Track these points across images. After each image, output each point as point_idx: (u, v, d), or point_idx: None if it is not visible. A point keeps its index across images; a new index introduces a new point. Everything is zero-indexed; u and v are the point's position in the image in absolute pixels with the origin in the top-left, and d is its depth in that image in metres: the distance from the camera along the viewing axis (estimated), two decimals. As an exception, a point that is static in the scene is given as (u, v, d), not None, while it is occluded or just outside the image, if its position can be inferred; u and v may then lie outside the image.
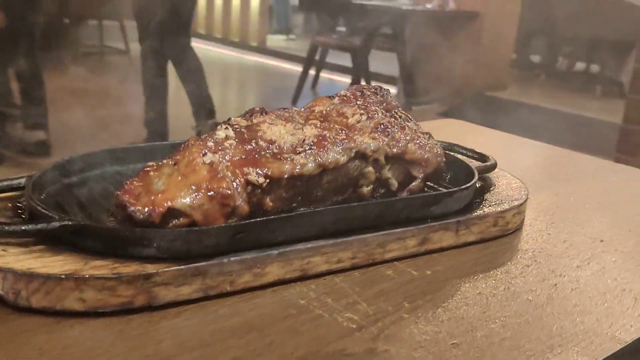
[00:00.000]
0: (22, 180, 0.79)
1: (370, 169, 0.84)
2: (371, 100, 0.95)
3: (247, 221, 0.71)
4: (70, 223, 0.67)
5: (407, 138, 0.88)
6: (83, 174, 0.87)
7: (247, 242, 0.71)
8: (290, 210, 0.80)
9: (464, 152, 1.05)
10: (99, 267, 0.64)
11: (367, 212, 0.79)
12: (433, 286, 0.75)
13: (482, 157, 1.02)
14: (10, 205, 0.77)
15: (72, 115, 4.32)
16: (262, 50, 7.65)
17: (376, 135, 0.86)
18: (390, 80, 6.47)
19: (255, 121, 0.84)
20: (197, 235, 0.68)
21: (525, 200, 0.92)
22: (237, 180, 0.74)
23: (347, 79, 6.27)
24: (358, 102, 0.93)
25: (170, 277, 0.65)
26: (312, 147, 0.80)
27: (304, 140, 0.81)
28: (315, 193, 0.82)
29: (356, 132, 0.86)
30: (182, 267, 0.66)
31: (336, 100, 0.93)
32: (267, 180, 0.76)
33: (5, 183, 0.78)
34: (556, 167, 1.30)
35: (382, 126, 0.87)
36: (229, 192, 0.72)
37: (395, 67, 6.22)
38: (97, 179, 0.87)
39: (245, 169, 0.75)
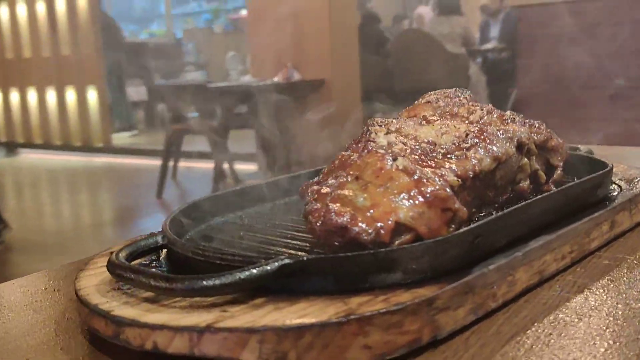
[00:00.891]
0: (158, 239, 0.60)
1: (526, 160, 0.75)
2: (467, 99, 0.87)
3: (483, 221, 0.59)
4: (291, 261, 0.51)
5: (539, 125, 0.80)
6: (189, 233, 0.69)
7: (483, 247, 0.59)
8: (471, 216, 0.68)
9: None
10: (366, 304, 0.49)
11: (557, 202, 0.70)
12: (664, 262, 0.66)
13: (572, 149, 0.96)
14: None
15: None
16: (109, 150, 7.28)
17: (516, 125, 0.77)
18: (250, 157, 6.42)
19: (392, 128, 0.72)
20: (443, 246, 0.55)
21: (651, 173, 0.87)
22: (442, 181, 0.61)
23: (207, 164, 6.13)
24: (463, 102, 0.84)
25: (447, 299, 0.51)
26: (479, 141, 0.70)
27: (467, 135, 0.70)
28: (488, 194, 0.71)
29: (491, 126, 0.77)
30: (455, 284, 0.52)
31: (441, 102, 0.84)
32: (459, 181, 0.64)
33: (142, 243, 0.59)
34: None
35: (510, 117, 0.79)
36: (448, 192, 0.59)
37: (254, 143, 6.17)
38: (217, 229, 0.70)
39: (439, 171, 0.63)
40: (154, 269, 0.59)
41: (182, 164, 6.41)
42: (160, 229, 0.63)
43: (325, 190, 0.61)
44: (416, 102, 0.87)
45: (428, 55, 6.92)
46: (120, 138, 7.86)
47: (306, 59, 6.24)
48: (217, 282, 0.48)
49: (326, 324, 0.46)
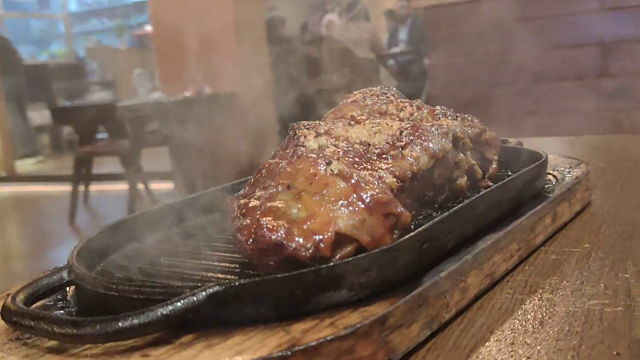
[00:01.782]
0: (63, 275, 0.52)
1: (462, 156, 0.71)
2: (395, 95, 0.83)
3: (430, 224, 0.54)
4: (221, 288, 0.44)
5: (471, 118, 0.77)
6: (100, 264, 0.61)
7: (430, 253, 0.53)
8: (412, 220, 0.63)
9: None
10: (311, 330, 0.42)
11: (502, 197, 0.65)
12: (617, 250, 0.64)
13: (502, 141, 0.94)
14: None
15: None
16: (14, 178, 6.89)
17: (449, 119, 0.73)
18: (166, 176, 6.24)
19: (321, 131, 0.66)
20: (391, 255, 0.49)
21: (583, 162, 0.85)
22: (381, 184, 0.56)
23: (121, 186, 5.91)
24: (391, 99, 0.80)
25: (400, 315, 0.46)
26: (414, 138, 0.65)
27: (401, 133, 0.65)
28: (427, 194, 0.66)
29: (424, 122, 0.72)
30: (407, 297, 0.47)
31: (368, 101, 0.79)
32: (399, 182, 0.59)
33: (44, 282, 0.50)
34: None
35: (442, 112, 0.75)
36: (389, 196, 0.54)
37: (168, 161, 6.00)
38: (134, 256, 0.62)
39: (376, 173, 0.58)
40: (59, 312, 0.50)
41: (94, 187, 6.16)
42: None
43: (253, 203, 0.55)
44: (341, 102, 0.82)
45: (338, 62, 6.93)
46: (25, 165, 7.47)
47: (216, 72, 6.14)
48: (134, 321, 0.41)
49: (269, 360, 0.39)
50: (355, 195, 0.53)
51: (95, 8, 11.32)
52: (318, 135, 0.64)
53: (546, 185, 0.76)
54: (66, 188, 5.62)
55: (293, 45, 7.29)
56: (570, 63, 3.02)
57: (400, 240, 0.50)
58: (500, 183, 0.66)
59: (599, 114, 2.70)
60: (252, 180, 0.61)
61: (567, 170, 0.83)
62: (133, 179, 5.73)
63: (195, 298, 0.43)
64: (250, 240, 0.50)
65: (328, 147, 0.60)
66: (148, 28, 9.05)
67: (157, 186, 6.13)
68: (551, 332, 0.49)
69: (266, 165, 0.61)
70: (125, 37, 10.40)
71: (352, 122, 0.70)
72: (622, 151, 1.17)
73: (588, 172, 0.80)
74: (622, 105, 2.65)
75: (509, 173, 0.80)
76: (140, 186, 5.78)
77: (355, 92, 0.86)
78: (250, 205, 0.54)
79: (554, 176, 0.80)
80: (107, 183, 6.46)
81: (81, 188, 5.87)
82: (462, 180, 0.71)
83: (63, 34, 10.79)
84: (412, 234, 0.51)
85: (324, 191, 0.53)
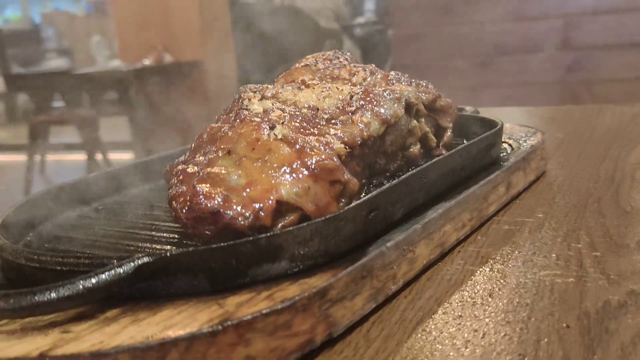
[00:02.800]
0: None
1: (415, 123, 0.69)
2: (348, 60, 0.80)
3: (377, 192, 0.51)
4: (151, 259, 0.41)
5: (426, 84, 0.74)
6: (30, 234, 0.57)
7: (379, 222, 0.51)
8: (362, 188, 0.61)
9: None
10: (247, 304, 0.40)
11: (454, 165, 0.63)
12: (571, 221, 0.62)
13: (458, 109, 0.92)
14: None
15: None
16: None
17: (402, 84, 0.71)
18: (125, 146, 6.12)
19: (268, 94, 0.63)
20: (335, 224, 0.47)
21: (540, 131, 0.84)
22: (328, 150, 0.53)
23: (79, 156, 5.79)
24: (344, 63, 0.77)
25: (343, 287, 0.43)
26: (364, 103, 0.62)
27: (351, 97, 0.62)
28: (378, 162, 0.64)
29: (376, 87, 0.70)
30: (350, 269, 0.44)
31: (320, 65, 0.76)
32: (347, 149, 0.56)
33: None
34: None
35: (396, 77, 0.73)
36: (335, 162, 0.51)
37: (128, 131, 5.87)
38: (68, 226, 0.58)
39: (323, 139, 0.55)
40: (-22, 284, 0.47)
41: (51, 157, 6.02)
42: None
43: (192, 169, 0.51)
44: (293, 66, 0.78)
45: (302, 32, 6.87)
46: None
47: (177, 39, 6.00)
48: (52, 295, 0.38)
49: (196, 336, 0.36)
50: (299, 162, 0.50)
51: (52, -28, 10.98)
52: (264, 98, 0.61)
53: (501, 154, 0.75)
54: (22, 158, 5.48)
55: (256, 12, 7.19)
56: (531, 35, 3.01)
57: (345, 209, 0.47)
58: (453, 150, 0.63)
59: (559, 86, 2.71)
60: (193, 145, 0.57)
61: (523, 138, 0.81)
62: (91, 148, 5.62)
63: (121, 270, 0.40)
64: (186, 208, 0.47)
65: (273, 111, 0.57)
66: (106, -7, 8.80)
67: (116, 156, 6.01)
68: (500, 304, 0.47)
69: (208, 130, 0.57)
70: (82, 3, 10.12)
71: (301, 86, 0.67)
72: (580, 122, 1.17)
73: (544, 141, 0.79)
74: (582, 78, 2.67)
75: (465, 141, 0.78)
76: (99, 156, 5.67)
77: (307, 56, 0.82)
78: (188, 171, 0.51)
79: (510, 145, 0.79)
80: (64, 153, 6.31)
81: (37, 158, 5.74)
82: (415, 148, 0.69)
83: (18, -2, 10.45)
84: (358, 202, 0.49)
85: (267, 157, 0.50)
